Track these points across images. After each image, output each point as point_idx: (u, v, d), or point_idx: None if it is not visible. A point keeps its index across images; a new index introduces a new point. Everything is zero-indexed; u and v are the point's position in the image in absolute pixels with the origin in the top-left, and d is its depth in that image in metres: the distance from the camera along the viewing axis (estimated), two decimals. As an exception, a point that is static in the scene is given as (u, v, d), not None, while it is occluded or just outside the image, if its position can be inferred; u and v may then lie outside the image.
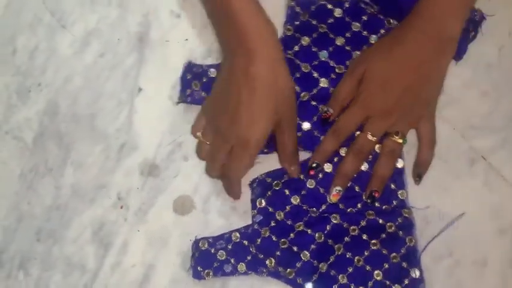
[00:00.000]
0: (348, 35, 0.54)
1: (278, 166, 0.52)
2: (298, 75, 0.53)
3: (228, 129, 0.49)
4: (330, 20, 0.55)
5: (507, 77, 0.54)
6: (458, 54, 0.53)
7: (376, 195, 0.50)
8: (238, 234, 0.51)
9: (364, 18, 0.55)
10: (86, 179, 0.54)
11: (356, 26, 0.55)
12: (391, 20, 0.55)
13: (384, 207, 0.51)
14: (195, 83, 0.54)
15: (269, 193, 0.51)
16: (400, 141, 0.50)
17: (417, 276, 0.49)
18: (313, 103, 0.53)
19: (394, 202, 0.51)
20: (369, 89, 0.50)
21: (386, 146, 0.51)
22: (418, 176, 0.51)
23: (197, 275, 0.50)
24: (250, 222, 0.52)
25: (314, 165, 0.51)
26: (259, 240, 0.50)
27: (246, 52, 0.48)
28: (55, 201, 0.54)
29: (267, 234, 0.50)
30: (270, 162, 0.53)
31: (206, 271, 0.50)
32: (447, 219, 0.51)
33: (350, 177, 0.51)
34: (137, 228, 0.53)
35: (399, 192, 0.51)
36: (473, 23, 0.53)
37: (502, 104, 0.53)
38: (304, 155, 0.52)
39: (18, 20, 0.59)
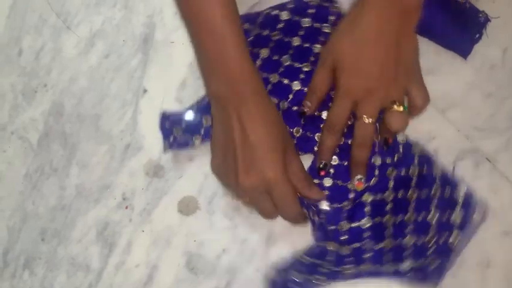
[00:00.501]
0: (301, 33, 0.54)
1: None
2: (270, 88, 0.53)
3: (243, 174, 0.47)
4: (280, 25, 0.55)
5: (511, 79, 0.54)
6: (463, 55, 0.53)
7: (390, 141, 0.51)
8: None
9: (311, 11, 0.55)
10: (91, 179, 0.54)
11: (306, 22, 0.54)
12: (336, 5, 0.55)
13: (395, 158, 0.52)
14: (176, 128, 0.53)
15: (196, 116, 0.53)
16: (401, 109, 0.49)
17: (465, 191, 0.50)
18: (294, 108, 0.53)
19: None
20: (345, 75, 0.49)
21: (390, 119, 0.50)
22: (386, 142, 0.51)
23: None
24: (254, 222, 0.52)
25: (322, 165, 0.51)
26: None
27: (238, 100, 0.46)
28: (60, 202, 0.54)
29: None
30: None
31: None
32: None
33: (366, 163, 0.51)
34: (142, 229, 0.53)
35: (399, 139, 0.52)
36: (477, 25, 0.53)
37: (506, 105, 0.53)
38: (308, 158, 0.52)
39: (23, 21, 0.60)
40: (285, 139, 0.49)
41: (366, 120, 0.49)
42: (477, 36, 0.53)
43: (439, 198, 0.50)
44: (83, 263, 0.53)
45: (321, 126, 0.52)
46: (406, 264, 0.49)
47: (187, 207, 0.53)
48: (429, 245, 0.49)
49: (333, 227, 0.50)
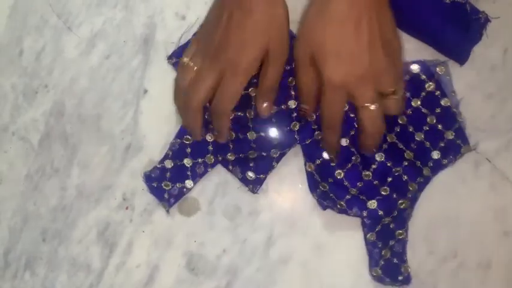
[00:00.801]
0: None
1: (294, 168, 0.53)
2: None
3: (217, 50, 0.47)
4: None
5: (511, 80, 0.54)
6: (462, 58, 0.53)
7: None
8: None
9: None
10: (92, 179, 0.55)
11: None
12: None
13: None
14: (164, 183, 0.52)
15: (177, 162, 0.53)
16: (398, 96, 0.48)
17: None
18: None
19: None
20: (330, 65, 0.45)
21: (390, 107, 0.48)
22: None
23: None
24: (255, 223, 0.52)
25: (334, 156, 0.51)
26: None
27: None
28: (61, 202, 0.54)
29: None
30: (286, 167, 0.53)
31: None
32: (452, 222, 0.51)
33: (378, 142, 0.50)
34: (142, 229, 0.53)
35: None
36: (478, 26, 0.53)
37: (507, 106, 0.53)
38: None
39: (24, 21, 0.60)
40: (278, 37, 0.47)
41: (371, 107, 0.46)
42: (477, 36, 0.53)
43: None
44: (83, 263, 0.53)
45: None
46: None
47: (187, 207, 0.53)
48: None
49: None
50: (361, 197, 0.51)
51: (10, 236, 0.54)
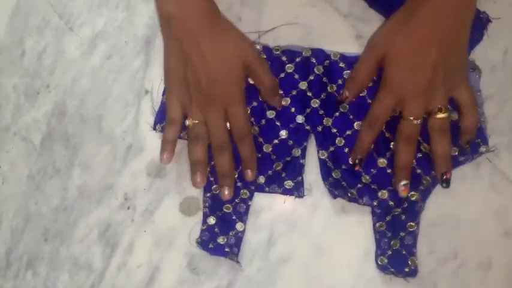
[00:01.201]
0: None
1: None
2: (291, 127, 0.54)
3: (206, 94, 0.50)
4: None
5: (512, 80, 0.54)
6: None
7: (448, 176, 0.49)
8: None
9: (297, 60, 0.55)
10: (93, 180, 0.55)
11: (318, 69, 0.54)
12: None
13: None
14: (219, 239, 0.52)
15: (219, 214, 0.52)
16: (445, 115, 0.49)
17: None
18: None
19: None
20: (395, 72, 0.48)
21: (434, 125, 0.49)
22: (467, 143, 0.50)
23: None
24: (255, 223, 0.52)
25: (357, 161, 0.51)
26: None
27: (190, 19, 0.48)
28: (62, 202, 0.55)
29: None
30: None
31: None
32: (452, 222, 0.51)
33: (410, 166, 0.50)
34: (144, 229, 0.53)
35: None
36: (478, 26, 0.53)
37: (507, 106, 0.53)
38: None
39: (26, 22, 0.60)
40: (243, 52, 0.50)
41: (415, 122, 0.48)
42: (478, 37, 0.53)
43: None
44: (85, 263, 0.53)
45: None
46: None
47: (188, 207, 0.53)
48: None
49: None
50: (372, 186, 0.51)
51: (12, 236, 0.55)
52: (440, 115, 0.49)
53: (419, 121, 0.49)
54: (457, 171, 0.51)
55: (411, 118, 0.48)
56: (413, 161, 0.51)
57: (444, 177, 0.49)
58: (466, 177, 0.52)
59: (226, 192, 0.51)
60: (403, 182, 0.49)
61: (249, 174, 0.51)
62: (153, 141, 0.55)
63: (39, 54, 0.59)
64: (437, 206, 0.51)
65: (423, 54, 0.47)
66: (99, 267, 0.53)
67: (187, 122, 0.52)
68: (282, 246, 0.52)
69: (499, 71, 0.54)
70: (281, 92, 0.54)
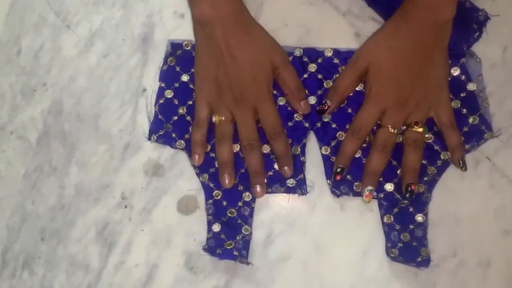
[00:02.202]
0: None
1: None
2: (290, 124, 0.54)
3: (235, 91, 0.50)
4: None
5: (511, 78, 0.54)
6: (461, 55, 0.53)
7: (413, 187, 0.49)
8: None
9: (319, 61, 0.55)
10: (90, 178, 0.54)
11: (312, 67, 0.55)
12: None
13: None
14: (226, 244, 0.51)
15: (223, 219, 0.52)
16: (421, 130, 0.50)
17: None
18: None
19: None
20: (379, 83, 0.50)
21: (409, 137, 0.51)
22: (461, 162, 0.50)
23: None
24: (254, 221, 0.52)
25: (339, 170, 0.51)
26: None
27: (221, 21, 0.49)
28: (59, 201, 0.54)
29: None
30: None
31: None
32: (452, 221, 0.51)
33: (379, 174, 0.51)
34: (141, 228, 0.53)
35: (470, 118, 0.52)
36: (477, 23, 0.53)
37: (506, 104, 0.53)
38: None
39: (23, 20, 0.59)
40: (272, 55, 0.51)
41: (391, 130, 0.50)
42: (477, 34, 0.53)
43: None
44: (82, 263, 0.53)
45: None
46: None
47: (186, 206, 0.53)
48: None
49: None
50: (379, 179, 0.51)
51: (8, 235, 0.54)
52: (417, 129, 0.50)
53: (395, 131, 0.50)
54: (456, 171, 0.51)
55: (389, 126, 0.50)
56: None
57: (409, 188, 0.50)
58: (465, 176, 0.52)
59: (258, 190, 0.51)
60: (369, 188, 0.50)
61: (287, 171, 0.51)
62: (150, 140, 0.55)
63: (36, 52, 0.58)
64: (437, 205, 0.51)
65: (405, 68, 0.49)
66: (97, 267, 0.52)
67: (214, 119, 0.52)
68: (281, 245, 0.51)
69: (498, 68, 0.54)
70: (275, 92, 0.54)
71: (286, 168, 0.51)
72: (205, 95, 0.52)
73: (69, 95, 0.57)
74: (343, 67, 0.54)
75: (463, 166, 0.50)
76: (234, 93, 0.50)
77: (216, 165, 0.52)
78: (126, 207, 0.53)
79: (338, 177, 0.51)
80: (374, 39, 0.52)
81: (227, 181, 0.51)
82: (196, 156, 0.52)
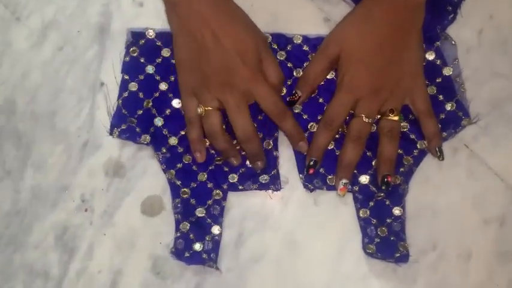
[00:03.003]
0: None
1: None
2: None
3: (224, 77, 0.47)
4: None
5: (488, 62, 0.52)
6: (435, 39, 0.51)
7: (389, 179, 0.48)
8: None
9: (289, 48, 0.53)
10: (47, 181, 0.51)
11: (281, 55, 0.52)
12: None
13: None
14: (196, 246, 0.48)
15: (192, 219, 0.49)
16: (396, 118, 0.48)
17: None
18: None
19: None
20: (351, 70, 0.48)
21: (384, 126, 0.49)
22: (438, 150, 0.49)
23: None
24: (224, 220, 0.50)
25: (312, 163, 0.49)
26: None
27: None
28: (14, 206, 0.51)
29: None
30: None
31: None
32: (430, 213, 0.49)
33: (354, 166, 0.49)
34: (103, 232, 0.50)
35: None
36: (452, 5, 0.52)
37: (483, 90, 0.52)
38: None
39: (-31, 13, 0.56)
40: (256, 37, 0.48)
41: (365, 120, 0.48)
42: (451, 16, 0.51)
43: None
44: (41, 271, 0.49)
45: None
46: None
47: (151, 207, 0.50)
48: None
49: None
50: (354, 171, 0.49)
51: (-40, 245, 0.51)
52: (392, 117, 0.48)
53: (370, 120, 0.48)
54: (433, 160, 0.50)
55: (362, 116, 0.48)
56: None
57: (386, 179, 0.48)
58: (443, 165, 0.50)
59: (259, 165, 0.49)
60: (344, 181, 0.48)
61: (304, 146, 0.49)
62: (110, 137, 0.52)
63: (-15, 48, 0.55)
64: (414, 197, 0.50)
65: (378, 53, 0.48)
66: (57, 275, 0.49)
67: (199, 110, 0.49)
68: (253, 244, 0.49)
69: (474, 51, 0.52)
70: None
71: (302, 143, 0.49)
72: (191, 87, 0.49)
73: (22, 92, 0.53)
74: (313, 54, 0.51)
75: (440, 155, 0.48)
76: (222, 79, 0.47)
77: (184, 161, 0.50)
78: (86, 210, 0.50)
79: (311, 171, 0.49)
80: (344, 24, 0.50)
81: (260, 164, 0.49)
82: (198, 154, 0.49)
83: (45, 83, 0.53)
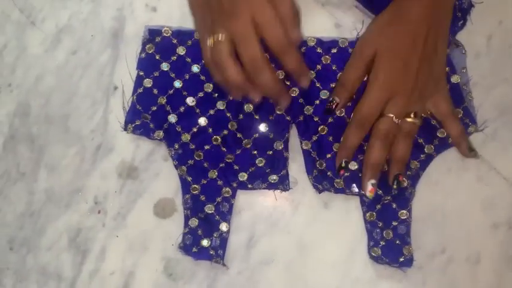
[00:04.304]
0: None
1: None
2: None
3: (233, 3, 0.45)
4: None
5: (497, 67, 0.52)
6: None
7: (401, 178, 0.47)
8: None
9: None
10: (61, 183, 0.52)
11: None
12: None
13: None
14: (203, 241, 0.49)
15: (201, 215, 0.50)
16: (417, 121, 0.48)
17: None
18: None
19: None
20: (387, 68, 0.47)
21: (404, 128, 0.48)
22: (470, 149, 0.49)
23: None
24: (235, 223, 0.50)
25: (343, 164, 0.48)
26: None
27: None
28: (28, 208, 0.51)
29: None
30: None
31: None
32: (439, 216, 0.49)
33: (381, 167, 0.48)
34: (116, 234, 0.50)
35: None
36: (461, 11, 0.52)
37: (492, 94, 0.52)
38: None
39: (-15, 17, 0.56)
40: None
41: (395, 120, 0.47)
42: (461, 22, 0.52)
43: None
44: (54, 272, 0.50)
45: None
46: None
47: (163, 209, 0.50)
48: None
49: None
50: (359, 174, 0.49)
51: (-25, 246, 0.51)
52: (413, 120, 0.48)
53: (398, 120, 0.47)
54: (442, 163, 0.50)
55: (392, 116, 0.47)
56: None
57: (397, 179, 0.48)
58: (452, 169, 0.50)
59: (284, 103, 0.49)
60: (372, 181, 0.47)
61: (305, 81, 0.49)
62: (123, 140, 0.52)
63: (0, 51, 0.55)
64: (423, 200, 0.50)
65: (413, 52, 0.47)
66: (70, 276, 0.50)
67: (209, 42, 0.46)
68: (264, 247, 0.49)
69: (482, 57, 0.52)
70: None
71: (303, 79, 0.48)
72: (203, 29, 0.48)
73: (36, 96, 0.54)
74: (327, 56, 0.52)
75: (474, 154, 0.49)
76: (225, 8, 0.45)
77: (195, 158, 0.50)
78: (99, 212, 0.51)
79: (342, 172, 0.48)
80: (378, 24, 0.49)
81: (283, 100, 0.49)
82: (255, 95, 0.47)
83: (59, 86, 0.54)
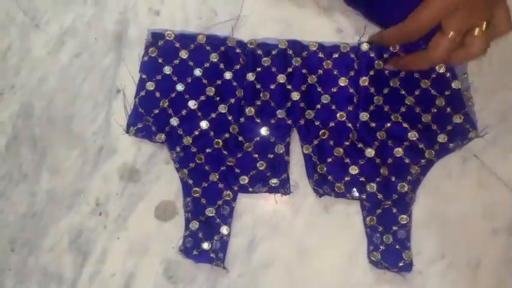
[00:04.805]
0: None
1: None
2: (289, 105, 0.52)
3: None
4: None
5: (498, 73, 0.53)
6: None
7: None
8: None
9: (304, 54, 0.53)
10: (63, 184, 0.52)
11: (296, 61, 0.52)
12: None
13: None
14: (204, 244, 0.49)
15: (202, 218, 0.50)
16: (482, 34, 0.45)
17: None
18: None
19: None
20: None
21: (471, 40, 0.45)
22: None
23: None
24: (236, 226, 0.50)
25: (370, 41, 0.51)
26: None
27: None
28: (30, 209, 0.52)
29: None
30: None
31: None
32: (440, 221, 0.49)
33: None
34: (117, 236, 0.50)
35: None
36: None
37: (493, 100, 0.52)
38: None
39: (-11, 19, 0.57)
40: None
41: (450, 35, 0.44)
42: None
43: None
44: (55, 274, 0.50)
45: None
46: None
47: (164, 212, 0.51)
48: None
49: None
50: (360, 179, 0.49)
51: (-24, 247, 0.51)
52: (478, 33, 0.45)
53: (453, 36, 0.44)
54: (443, 169, 0.50)
55: (452, 32, 0.44)
56: (401, 150, 0.50)
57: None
58: (453, 175, 0.50)
59: None
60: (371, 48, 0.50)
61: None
62: (125, 142, 0.52)
63: (4, 53, 0.56)
64: (424, 206, 0.50)
65: None
66: (71, 277, 0.50)
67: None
68: (264, 250, 0.50)
69: (484, 63, 0.52)
70: (258, 86, 0.52)
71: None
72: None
73: (39, 97, 0.54)
74: (328, 61, 0.52)
75: None
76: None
77: (197, 161, 0.50)
78: (100, 214, 0.51)
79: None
80: None
81: None
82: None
83: (62, 88, 0.54)
